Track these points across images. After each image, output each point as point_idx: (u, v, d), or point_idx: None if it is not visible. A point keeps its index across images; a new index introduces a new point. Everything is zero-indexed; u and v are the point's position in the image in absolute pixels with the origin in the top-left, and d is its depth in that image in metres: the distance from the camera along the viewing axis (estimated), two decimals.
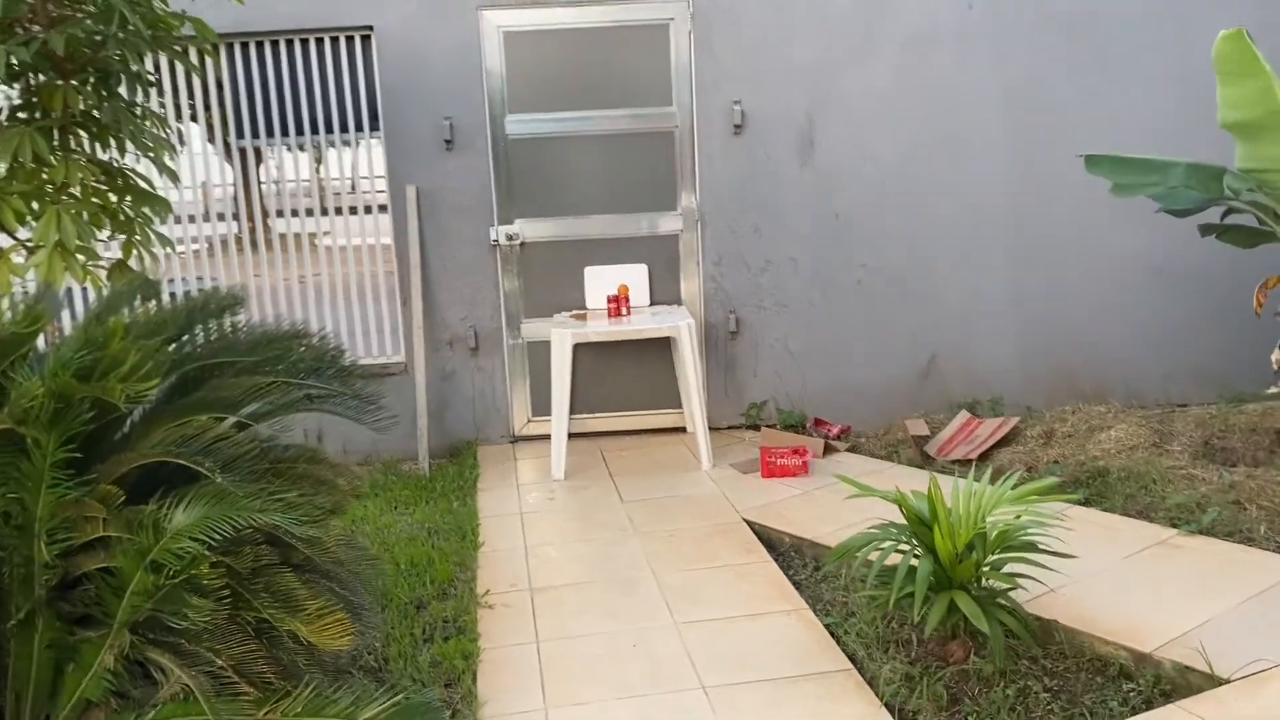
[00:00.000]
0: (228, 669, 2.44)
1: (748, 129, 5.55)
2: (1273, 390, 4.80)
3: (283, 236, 5.79)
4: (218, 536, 2.23)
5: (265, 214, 5.83)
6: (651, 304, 5.71)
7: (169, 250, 4.16)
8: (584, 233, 5.68)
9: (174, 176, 4.08)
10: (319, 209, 5.78)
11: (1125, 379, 5.75)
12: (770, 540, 4.22)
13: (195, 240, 5.76)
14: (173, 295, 4.10)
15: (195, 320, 2.72)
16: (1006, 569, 3.16)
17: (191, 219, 5.75)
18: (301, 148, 5.72)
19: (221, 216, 5.81)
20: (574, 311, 5.64)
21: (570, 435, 5.45)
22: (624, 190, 5.67)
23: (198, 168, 5.69)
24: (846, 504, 4.45)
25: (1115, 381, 5.75)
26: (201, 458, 2.34)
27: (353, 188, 5.82)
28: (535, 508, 4.76)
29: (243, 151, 5.62)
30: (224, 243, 5.75)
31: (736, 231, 5.66)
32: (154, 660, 2.42)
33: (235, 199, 5.73)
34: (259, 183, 5.73)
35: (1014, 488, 3.19)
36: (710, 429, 5.66)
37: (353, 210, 5.81)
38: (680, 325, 5.12)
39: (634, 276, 5.65)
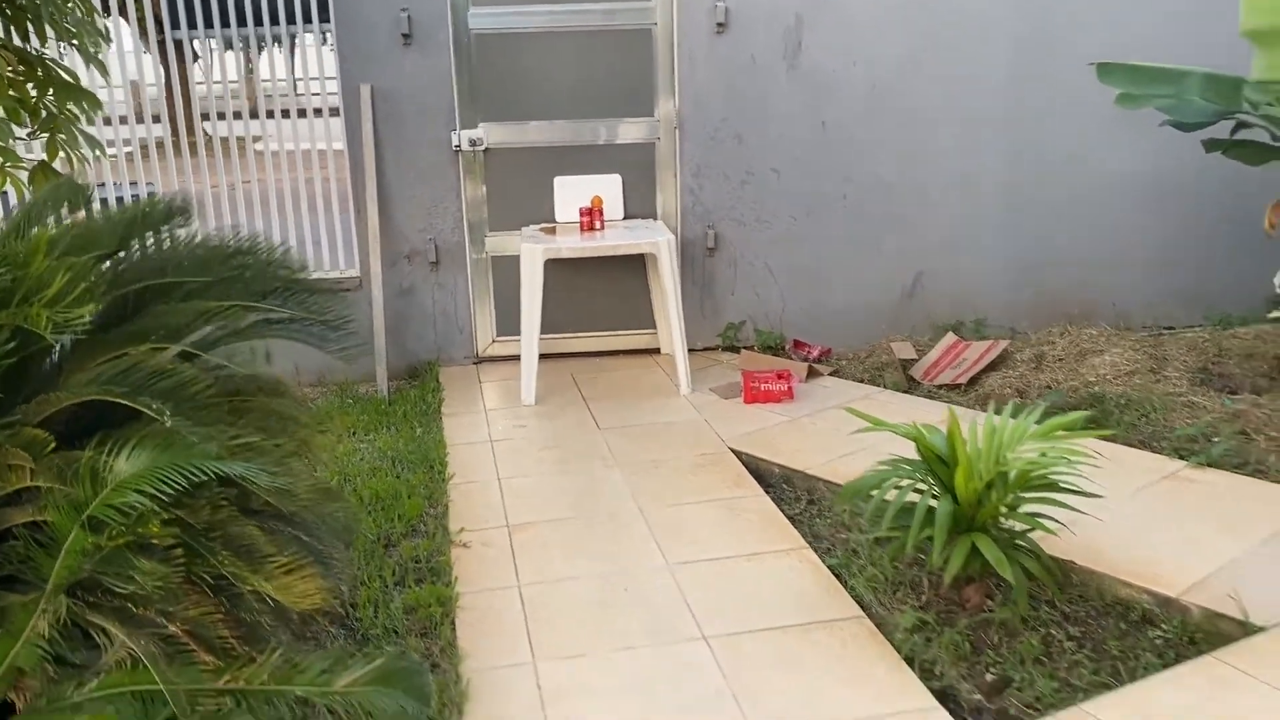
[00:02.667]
0: (182, 634, 2.15)
1: (731, 28, 5.16)
2: (1274, 315, 4.63)
3: (224, 141, 5.32)
4: (168, 490, 1.91)
5: (203, 117, 5.35)
6: (625, 217, 5.36)
7: (98, 154, 3.72)
8: (554, 139, 5.29)
9: (102, 69, 3.63)
10: (260, 111, 5.31)
11: (1111, 301, 5.56)
12: (759, 471, 3.98)
13: (128, 143, 5.26)
14: (104, 203, 3.68)
15: (133, 233, 2.34)
16: (1026, 509, 2.95)
17: (123, 120, 5.25)
18: (243, 42, 5.22)
19: (157, 119, 5.32)
20: (543, 225, 5.28)
21: (540, 355, 5.12)
22: (597, 93, 5.27)
23: (129, 65, 5.17)
24: (837, 432, 4.22)
25: (1102, 303, 5.56)
26: (146, 396, 2.00)
27: (296, 88, 5.35)
28: (506, 435, 4.46)
29: (178, 45, 5.10)
30: (159, 146, 5.26)
31: (717, 140, 5.30)
32: (96, 625, 2.11)
33: (169, 99, 5.24)
34: (189, 82, 5.23)
35: (1038, 422, 2.97)
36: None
37: (301, 113, 5.35)
38: (659, 241, 4.79)
39: (607, 188, 5.29)
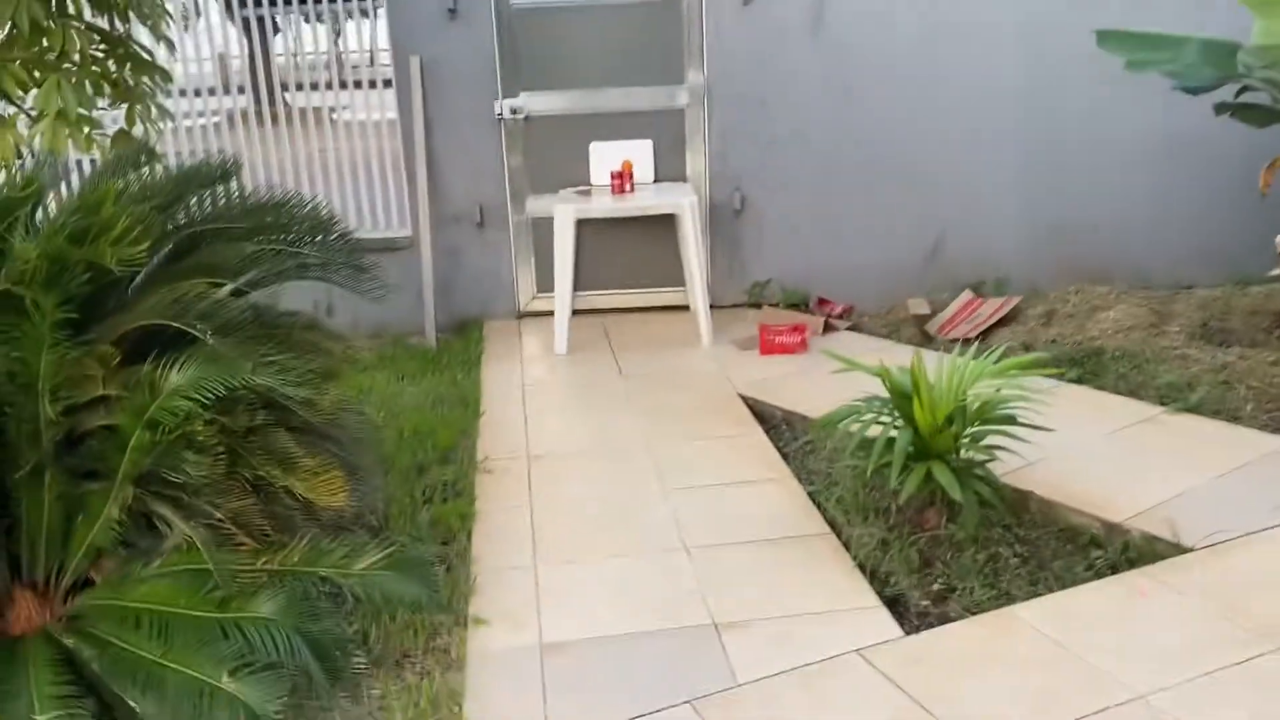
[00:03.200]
0: (226, 522, 2.58)
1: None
2: (1276, 272, 4.78)
3: (301, 111, 5.80)
4: (211, 396, 2.32)
5: (282, 88, 5.80)
6: (656, 180, 5.69)
7: (170, 122, 4.18)
8: (589, 106, 5.64)
9: (170, 45, 4.08)
10: (335, 82, 5.76)
11: (1133, 260, 5.72)
12: (763, 414, 4.31)
13: (215, 114, 5.76)
14: (182, 164, 4.15)
15: (189, 188, 2.77)
16: (986, 442, 3.24)
17: (212, 92, 5.73)
18: (307, 18, 5.66)
19: (242, 90, 5.79)
20: (579, 188, 5.64)
21: (575, 312, 5.50)
22: (630, 63, 5.60)
23: (216, 39, 5.65)
24: (840, 380, 4.49)
25: (1122, 263, 5.72)
26: (195, 321, 2.43)
27: (359, 61, 5.79)
28: (537, 380, 4.86)
29: (260, 21, 5.57)
30: (243, 116, 5.75)
31: (743, 106, 5.60)
32: (157, 512, 2.55)
33: (251, 71, 5.72)
34: (267, 55, 5.69)
35: (997, 362, 3.25)
36: (714, 307, 5.71)
37: (358, 84, 5.78)
38: (683, 202, 5.12)
39: (639, 152, 5.63)
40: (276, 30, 5.71)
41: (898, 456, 3.09)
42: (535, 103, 5.63)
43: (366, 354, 5.51)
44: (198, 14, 5.64)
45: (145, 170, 2.81)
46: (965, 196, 5.70)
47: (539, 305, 5.92)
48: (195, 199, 2.81)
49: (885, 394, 3.33)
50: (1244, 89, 4.69)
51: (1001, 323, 5.23)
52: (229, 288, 2.79)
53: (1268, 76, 4.40)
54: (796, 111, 5.59)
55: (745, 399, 4.44)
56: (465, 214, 5.77)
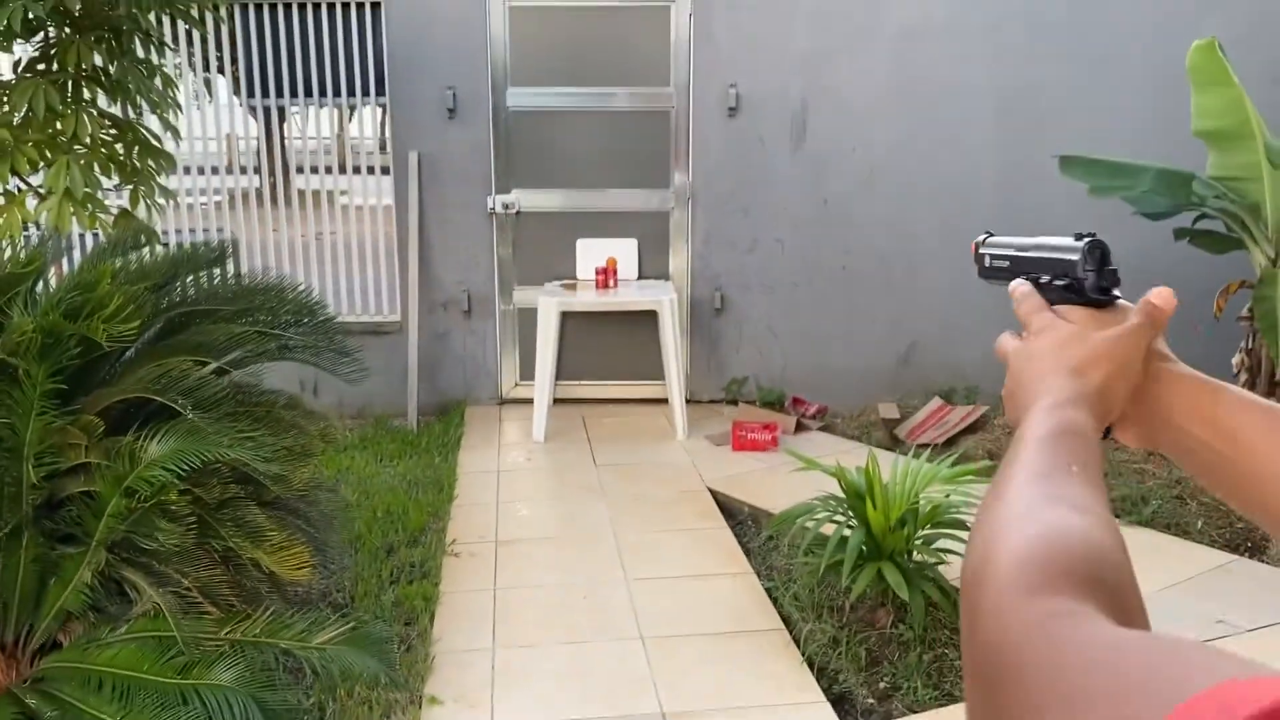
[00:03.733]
0: (194, 590, 2.67)
1: (742, 112, 5.71)
2: None
3: (301, 193, 6.03)
4: (187, 467, 2.44)
5: (286, 170, 6.04)
6: (640, 278, 5.89)
7: (171, 201, 4.37)
8: (578, 205, 5.87)
9: (175, 132, 4.29)
10: (337, 167, 5.99)
11: None
12: (730, 509, 4.42)
13: (218, 192, 5.98)
14: (180, 245, 4.33)
15: (182, 269, 2.93)
16: (938, 545, 3.35)
17: (215, 171, 5.95)
18: (314, 107, 5.92)
19: (244, 170, 6.02)
20: (565, 281, 5.83)
21: (555, 400, 5.66)
22: (619, 166, 5.85)
23: (222, 120, 5.90)
24: (805, 478, 4.61)
25: None
26: (177, 396, 2.56)
27: (369, 147, 6.04)
28: (513, 467, 4.97)
29: (266, 110, 5.83)
30: (244, 196, 5.97)
31: (726, 211, 5.83)
32: (128, 579, 2.64)
33: (261, 152, 5.96)
34: (279, 138, 5.94)
35: (951, 466, 3.39)
36: (692, 402, 5.86)
37: (357, 170, 6.02)
38: (662, 300, 5.31)
39: (624, 250, 5.83)
40: (283, 118, 5.97)
41: (849, 555, 3.20)
42: (526, 199, 5.85)
43: (348, 434, 5.63)
44: (209, 97, 5.90)
45: (143, 251, 2.98)
46: (938, 307, 5.90)
47: (520, 393, 6.06)
48: (187, 280, 2.97)
49: (842, 494, 3.45)
50: (1201, 216, 4.92)
51: (969, 430, 5.38)
52: (213, 366, 2.93)
53: (1221, 206, 4.63)
54: (776, 218, 5.82)
55: (714, 493, 4.55)
56: (454, 301, 5.95)
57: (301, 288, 3.19)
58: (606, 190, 5.86)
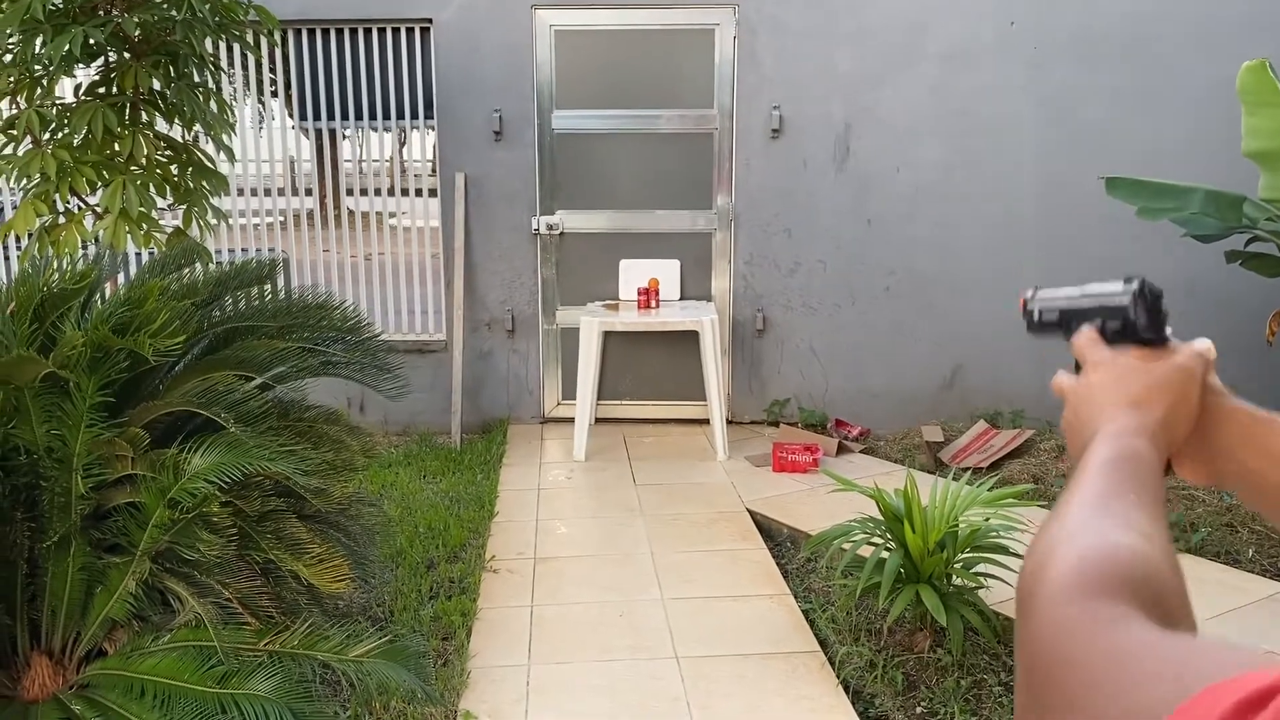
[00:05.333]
0: (234, 601, 2.72)
1: (786, 134, 5.72)
2: None
3: (352, 214, 6.14)
4: (229, 480, 2.50)
5: (345, 192, 6.16)
6: (682, 299, 5.91)
7: (223, 221, 4.47)
8: (622, 226, 5.91)
9: (230, 154, 4.39)
10: (394, 189, 6.10)
11: None
12: (769, 530, 4.41)
13: (270, 213, 6.11)
14: (228, 263, 4.44)
15: (229, 286, 3.00)
16: (977, 569, 3.31)
17: (268, 192, 6.08)
18: (365, 130, 6.04)
19: (296, 191, 6.15)
20: (607, 301, 5.86)
21: (597, 420, 5.69)
22: (662, 187, 5.88)
23: (276, 143, 6.03)
24: (847, 500, 4.60)
25: None
26: (220, 410, 2.61)
27: (419, 170, 6.15)
28: (553, 485, 5.00)
29: (318, 132, 5.96)
30: (297, 217, 6.09)
31: (768, 233, 5.83)
32: (170, 589, 2.70)
33: (309, 175, 6.08)
34: (334, 161, 6.06)
35: (990, 490, 3.35)
36: (733, 423, 5.87)
37: (408, 192, 6.12)
38: (704, 320, 5.32)
39: (666, 271, 5.86)
40: (344, 137, 6.10)
41: (887, 578, 3.17)
42: (570, 220, 5.91)
43: (393, 450, 5.70)
44: (271, 118, 6.03)
45: (193, 268, 3.05)
46: (983, 328, 5.85)
47: (562, 411, 6.10)
48: (234, 297, 3.03)
49: (880, 516, 3.43)
50: (1253, 238, 4.84)
51: (1014, 454, 5.31)
52: (257, 381, 2.99)
53: (1274, 229, 4.54)
54: (819, 239, 5.82)
55: (753, 513, 4.54)
56: (498, 321, 6.01)
57: (346, 305, 3.24)
58: (650, 211, 5.90)
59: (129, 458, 2.61)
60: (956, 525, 3.26)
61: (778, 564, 4.03)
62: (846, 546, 3.38)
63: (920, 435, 5.64)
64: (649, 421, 6.07)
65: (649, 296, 5.65)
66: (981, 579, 3.27)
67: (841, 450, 5.48)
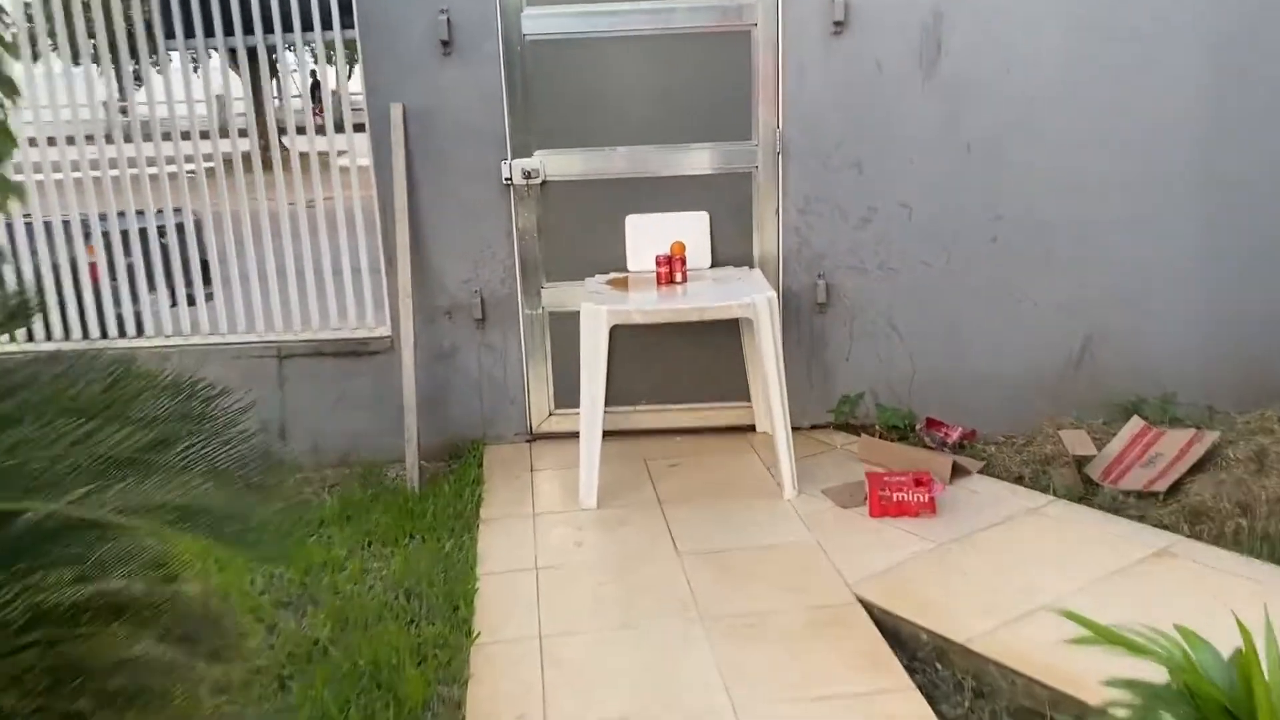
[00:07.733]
0: None
1: (852, 27, 4.09)
2: None
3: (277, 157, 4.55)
4: None
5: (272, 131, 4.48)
6: (713, 265, 4.31)
7: (16, 199, 2.81)
8: (626, 169, 4.28)
9: (11, 88, 2.72)
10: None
11: None
12: (900, 635, 2.88)
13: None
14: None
15: None
16: None
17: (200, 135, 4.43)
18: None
19: (243, 133, 4.47)
20: (611, 276, 4.25)
21: (605, 433, 4.04)
22: (681, 112, 4.24)
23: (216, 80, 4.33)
24: (1001, 572, 3.09)
25: None
26: None
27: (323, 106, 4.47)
28: (556, 559, 3.43)
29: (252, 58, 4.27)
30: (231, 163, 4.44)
31: (830, 168, 4.23)
32: None
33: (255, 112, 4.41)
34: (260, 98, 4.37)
35: None
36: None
37: (320, 129, 4.45)
38: (757, 302, 3.72)
39: (692, 229, 4.25)
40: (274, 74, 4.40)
41: None
42: (555, 163, 4.26)
43: (326, 495, 4.13)
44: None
45: None
46: (1124, 285, 4.30)
47: (556, 425, 4.52)
48: None
49: (1160, 678, 1.90)
50: None
51: (1196, 467, 3.80)
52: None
53: None
54: (901, 175, 4.22)
55: (867, 606, 3.00)
56: (461, 307, 4.39)
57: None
58: (664, 147, 4.26)
59: None
60: None
61: (933, 708, 2.51)
62: None
63: (1055, 441, 4.11)
64: (674, 433, 4.50)
65: (672, 267, 4.04)
66: None
67: (956, 472, 3.94)
